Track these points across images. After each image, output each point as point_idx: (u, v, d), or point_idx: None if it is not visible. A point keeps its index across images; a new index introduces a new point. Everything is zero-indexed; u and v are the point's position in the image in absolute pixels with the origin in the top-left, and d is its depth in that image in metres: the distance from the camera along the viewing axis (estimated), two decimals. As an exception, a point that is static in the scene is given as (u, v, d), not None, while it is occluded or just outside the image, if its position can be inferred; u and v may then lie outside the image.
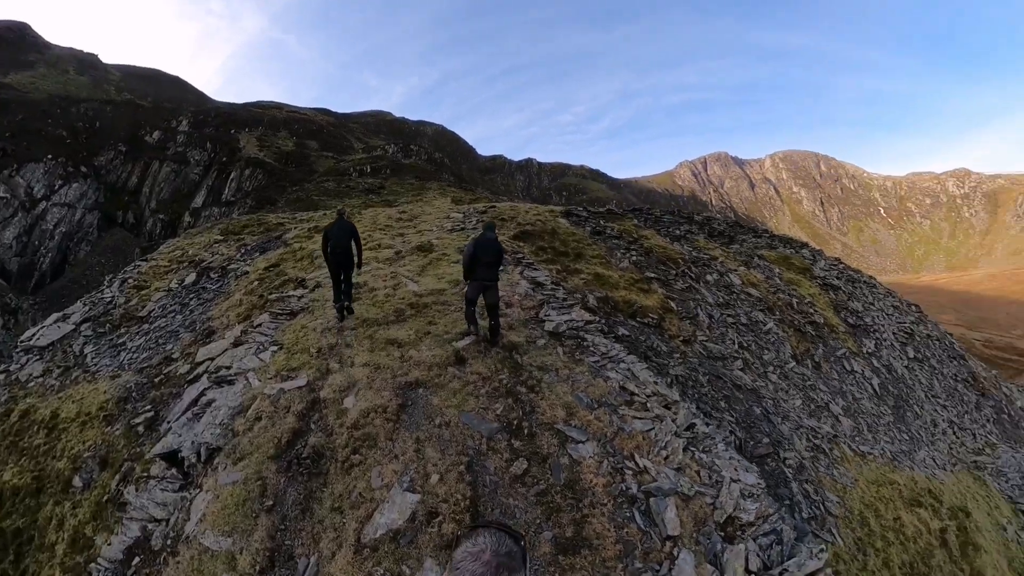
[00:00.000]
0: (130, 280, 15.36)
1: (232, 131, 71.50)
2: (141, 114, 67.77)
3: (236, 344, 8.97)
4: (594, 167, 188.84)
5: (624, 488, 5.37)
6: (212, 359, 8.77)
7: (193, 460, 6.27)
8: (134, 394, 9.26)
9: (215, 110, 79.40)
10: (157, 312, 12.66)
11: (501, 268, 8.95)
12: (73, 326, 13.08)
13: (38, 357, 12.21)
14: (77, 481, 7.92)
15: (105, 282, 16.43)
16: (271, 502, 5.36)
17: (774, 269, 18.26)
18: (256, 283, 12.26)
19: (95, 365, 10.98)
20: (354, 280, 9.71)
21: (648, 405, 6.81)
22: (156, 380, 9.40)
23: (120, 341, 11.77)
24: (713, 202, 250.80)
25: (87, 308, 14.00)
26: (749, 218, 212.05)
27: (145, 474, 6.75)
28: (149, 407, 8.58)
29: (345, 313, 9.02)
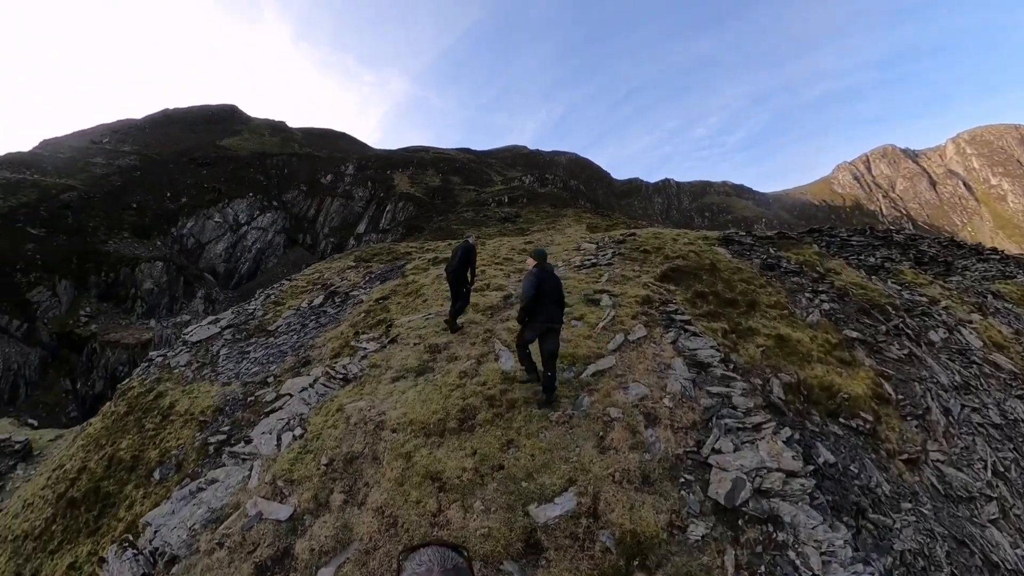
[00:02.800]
0: (272, 296, 16.06)
1: (388, 172, 79.66)
2: (317, 162, 79.35)
3: (301, 389, 8.44)
4: (737, 182, 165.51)
5: None
6: (291, 395, 8.42)
7: (155, 558, 5.24)
8: (227, 408, 9.65)
9: (374, 156, 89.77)
10: (283, 328, 13.22)
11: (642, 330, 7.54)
12: (219, 329, 14.22)
13: (188, 350, 13.43)
14: (157, 474, 8.53)
15: (256, 294, 17.46)
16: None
17: (1022, 315, 12.42)
18: (361, 316, 11.76)
19: (221, 368, 11.74)
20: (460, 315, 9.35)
21: None
22: (248, 400, 9.58)
23: (247, 350, 12.42)
24: (884, 211, 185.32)
25: (233, 315, 15.05)
26: (932, 227, 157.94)
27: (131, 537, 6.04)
28: (228, 427, 8.77)
29: (453, 326, 9.10)
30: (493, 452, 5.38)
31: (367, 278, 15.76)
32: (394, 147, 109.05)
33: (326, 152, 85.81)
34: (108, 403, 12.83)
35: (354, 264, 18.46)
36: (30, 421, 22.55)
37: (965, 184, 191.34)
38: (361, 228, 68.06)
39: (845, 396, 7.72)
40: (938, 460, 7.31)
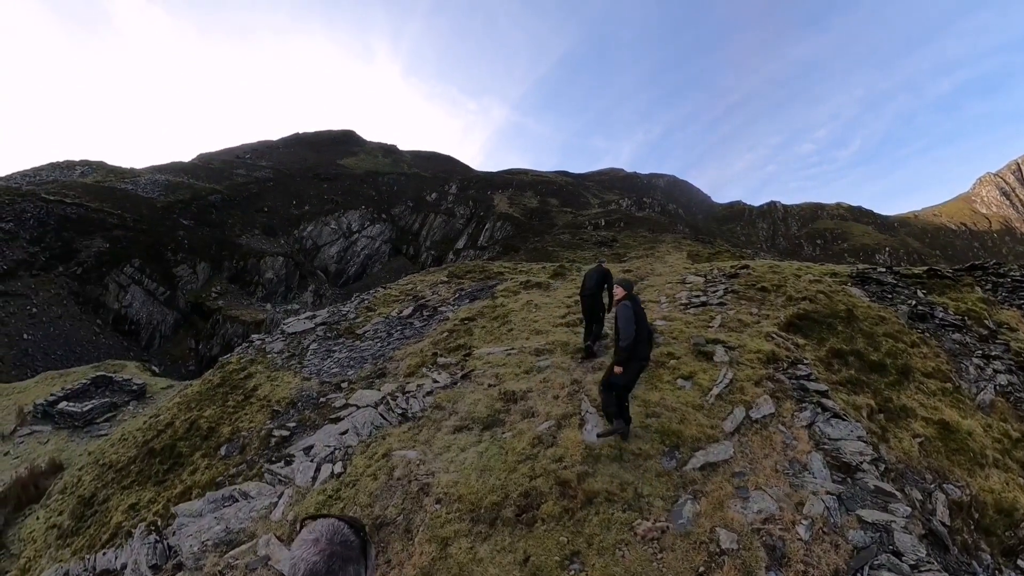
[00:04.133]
0: (366, 301, 16.50)
1: (488, 192, 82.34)
2: (423, 182, 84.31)
3: (367, 405, 8.14)
4: (854, 203, 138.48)
5: None
6: (357, 406, 8.31)
7: (168, 555, 5.37)
8: (300, 403, 9.87)
9: (476, 177, 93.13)
10: (370, 334, 13.45)
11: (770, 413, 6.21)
12: (313, 325, 14.85)
13: (284, 339, 14.15)
14: (223, 450, 8.84)
15: (353, 297, 18.21)
16: None
17: None
18: (444, 335, 11.46)
19: (307, 362, 12.20)
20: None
21: None
22: (320, 400, 9.68)
23: (334, 349, 12.80)
24: None
25: (328, 314, 15.68)
26: None
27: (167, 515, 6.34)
28: (294, 424, 8.88)
29: (589, 351, 8.63)
30: (550, 566, 4.10)
31: (457, 295, 15.63)
32: (495, 169, 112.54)
33: (431, 172, 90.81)
34: (210, 370, 13.85)
35: (446, 279, 18.45)
36: (153, 368, 26.12)
37: None
38: (460, 244, 70.62)
39: (1028, 526, 5.52)
40: None
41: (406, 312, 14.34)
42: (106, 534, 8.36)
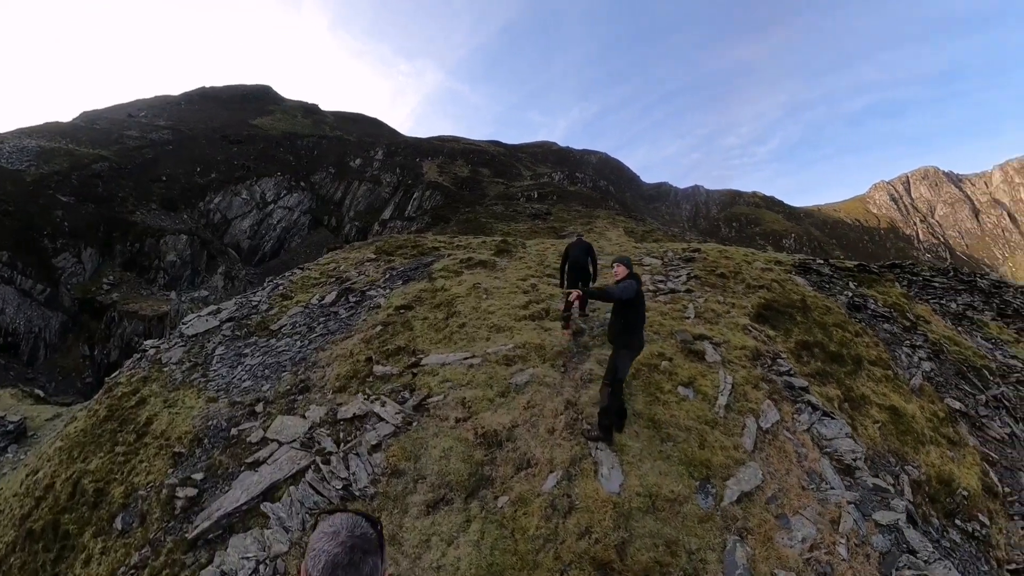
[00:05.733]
0: (281, 287, 14.50)
1: (417, 159, 78.59)
2: (347, 146, 78.40)
3: (292, 440, 6.40)
4: (767, 193, 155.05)
5: None
6: (279, 443, 6.61)
7: None
8: (207, 439, 7.88)
9: (404, 142, 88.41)
10: (287, 328, 11.48)
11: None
12: (219, 323, 12.55)
13: (183, 344, 11.89)
14: (119, 523, 6.92)
15: (264, 283, 16.07)
16: None
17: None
18: (377, 329, 9.67)
19: (212, 372, 10.19)
20: None
21: None
22: (231, 432, 7.74)
23: (245, 352, 10.79)
24: (920, 236, 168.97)
25: (236, 307, 13.40)
26: (971, 258, 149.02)
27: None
28: (202, 476, 6.93)
29: (569, 323, 8.61)
30: None
31: (387, 275, 14.02)
32: (425, 135, 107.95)
33: (356, 136, 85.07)
34: (96, 395, 11.59)
35: (374, 256, 16.74)
36: (36, 391, 21.54)
37: (1010, 215, 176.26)
38: (387, 214, 67.14)
39: (964, 493, 6.28)
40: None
41: (329, 298, 12.43)
42: None
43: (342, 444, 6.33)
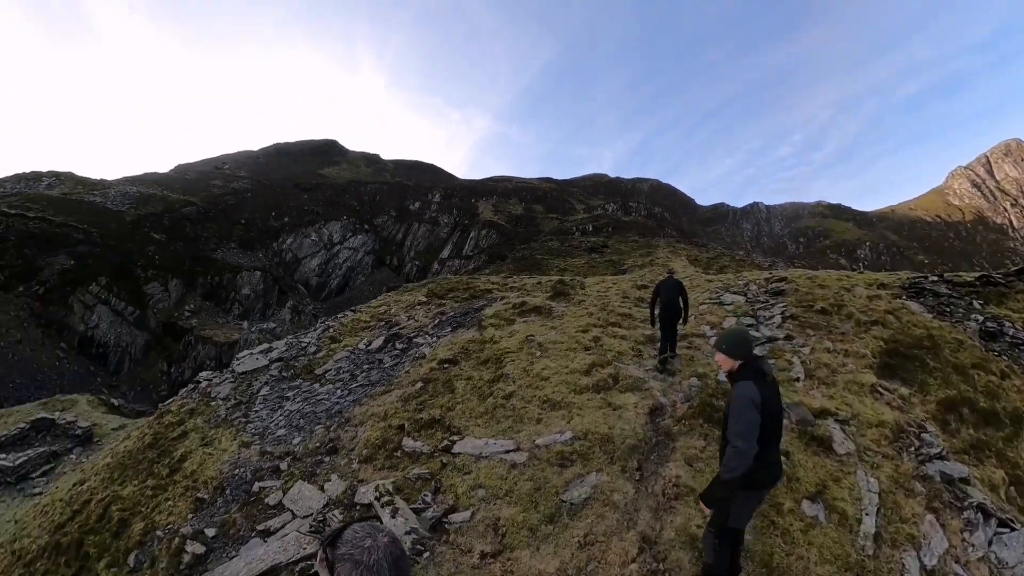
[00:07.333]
0: (331, 330, 14.58)
1: (472, 200, 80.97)
2: (407, 191, 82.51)
3: (306, 516, 5.97)
4: (833, 201, 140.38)
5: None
6: (292, 514, 6.26)
7: None
8: (230, 489, 7.69)
9: (459, 185, 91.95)
10: (331, 374, 11.33)
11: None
12: (267, 362, 12.67)
13: (232, 380, 12.08)
14: (132, 559, 6.96)
15: (317, 324, 16.49)
16: None
17: None
18: (418, 387, 8.99)
19: (254, 414, 10.16)
20: None
21: None
22: (252, 489, 7.42)
23: (287, 396, 10.72)
24: (1014, 222, 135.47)
25: (285, 348, 13.47)
26: None
27: None
28: (214, 532, 6.73)
29: (667, 364, 8.64)
30: None
31: (437, 320, 13.72)
32: (478, 177, 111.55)
33: (415, 181, 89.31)
34: (148, 420, 12.12)
35: (425, 299, 16.78)
36: (112, 400, 23.19)
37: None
38: (445, 253, 69.07)
39: None
40: None
41: (376, 343, 12.16)
42: None
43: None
